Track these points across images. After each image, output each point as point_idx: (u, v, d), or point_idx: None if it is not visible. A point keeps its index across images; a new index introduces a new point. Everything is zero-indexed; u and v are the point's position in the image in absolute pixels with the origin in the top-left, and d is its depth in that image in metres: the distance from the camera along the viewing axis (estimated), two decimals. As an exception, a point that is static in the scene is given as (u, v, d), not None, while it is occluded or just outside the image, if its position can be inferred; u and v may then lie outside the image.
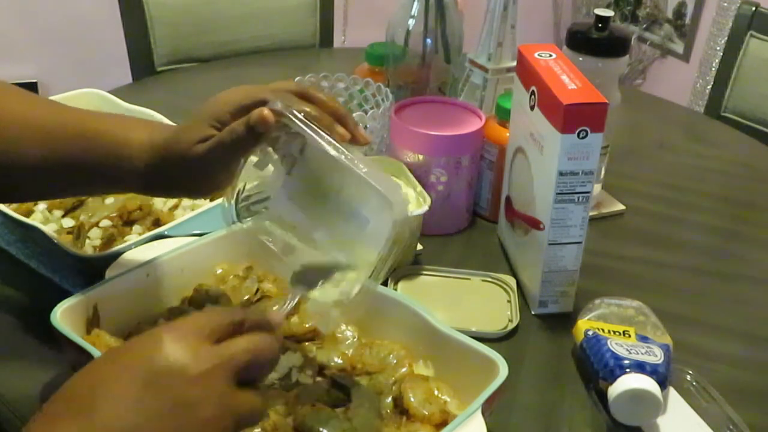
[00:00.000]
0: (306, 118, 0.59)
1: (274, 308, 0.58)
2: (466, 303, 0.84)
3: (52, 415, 0.43)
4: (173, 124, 0.65)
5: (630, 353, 0.70)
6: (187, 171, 0.61)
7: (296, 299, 0.59)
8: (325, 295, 0.61)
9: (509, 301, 0.84)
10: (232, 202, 0.64)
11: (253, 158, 0.63)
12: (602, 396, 0.70)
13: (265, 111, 0.57)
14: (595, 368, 0.72)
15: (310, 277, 0.61)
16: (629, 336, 0.74)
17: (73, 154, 0.63)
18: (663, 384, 0.69)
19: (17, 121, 0.64)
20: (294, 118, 0.58)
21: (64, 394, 0.44)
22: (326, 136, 0.58)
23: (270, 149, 0.62)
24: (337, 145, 0.58)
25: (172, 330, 0.46)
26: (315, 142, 0.57)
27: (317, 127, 0.58)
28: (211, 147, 0.59)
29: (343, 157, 0.57)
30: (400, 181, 0.90)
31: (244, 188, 0.64)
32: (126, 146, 0.63)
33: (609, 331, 0.74)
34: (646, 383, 0.67)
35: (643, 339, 0.74)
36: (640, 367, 0.69)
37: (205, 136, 0.60)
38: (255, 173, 0.63)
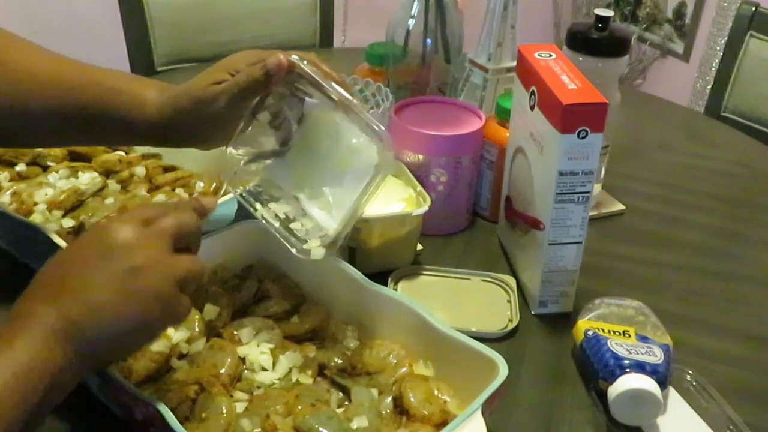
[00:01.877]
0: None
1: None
2: (466, 303, 0.84)
3: (31, 296, 0.53)
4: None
5: (630, 353, 0.70)
6: (199, 116, 0.67)
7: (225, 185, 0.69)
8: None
9: (509, 301, 0.84)
10: (231, 148, 0.69)
11: (266, 117, 0.70)
12: (602, 396, 0.70)
13: (281, 56, 0.65)
14: (595, 368, 0.72)
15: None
16: (629, 336, 0.74)
17: (87, 109, 0.68)
18: (663, 384, 0.69)
19: (27, 75, 0.68)
20: (306, 68, 0.66)
21: (40, 278, 0.54)
22: (334, 85, 0.67)
23: (284, 108, 0.70)
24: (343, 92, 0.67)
25: (114, 219, 0.57)
26: (324, 89, 0.67)
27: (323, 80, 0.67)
28: (225, 88, 0.66)
29: (350, 97, 0.66)
30: (400, 180, 0.90)
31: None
32: (140, 100, 0.68)
33: (609, 331, 0.74)
34: (646, 383, 0.68)
35: (643, 339, 0.74)
36: (640, 367, 0.69)
37: (221, 79, 0.67)
38: (253, 141, 0.70)
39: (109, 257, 0.53)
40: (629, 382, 0.68)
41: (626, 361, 0.70)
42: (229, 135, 0.68)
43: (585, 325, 0.76)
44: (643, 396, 0.67)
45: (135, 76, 0.72)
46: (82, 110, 0.68)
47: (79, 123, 0.69)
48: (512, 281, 0.87)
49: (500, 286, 0.87)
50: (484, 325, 0.80)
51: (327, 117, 0.69)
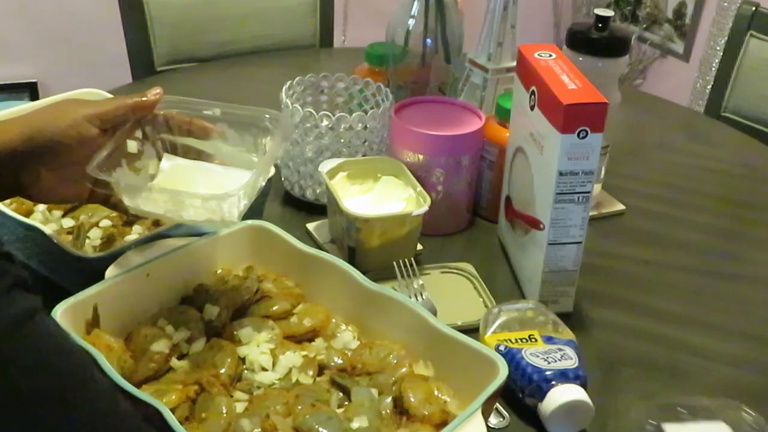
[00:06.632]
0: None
1: None
2: (437, 297, 0.82)
3: None
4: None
5: (549, 363, 0.69)
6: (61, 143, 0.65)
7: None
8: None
9: (476, 289, 0.84)
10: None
11: (132, 147, 0.71)
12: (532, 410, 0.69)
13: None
14: (519, 385, 0.70)
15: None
16: (536, 340, 0.72)
17: None
18: (585, 386, 0.68)
19: None
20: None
21: None
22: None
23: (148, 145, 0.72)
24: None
25: None
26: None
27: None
28: (94, 114, 0.66)
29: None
30: (400, 180, 0.90)
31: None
32: None
33: (517, 340, 0.72)
34: (576, 393, 0.67)
35: (549, 339, 0.73)
36: (563, 375, 0.68)
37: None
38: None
39: None
40: (560, 395, 0.67)
41: (548, 372, 0.68)
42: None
43: (493, 340, 0.73)
44: (575, 406, 0.67)
45: None
46: None
47: None
48: (469, 267, 0.87)
49: (461, 275, 0.86)
50: (465, 315, 0.80)
51: (185, 165, 0.72)
